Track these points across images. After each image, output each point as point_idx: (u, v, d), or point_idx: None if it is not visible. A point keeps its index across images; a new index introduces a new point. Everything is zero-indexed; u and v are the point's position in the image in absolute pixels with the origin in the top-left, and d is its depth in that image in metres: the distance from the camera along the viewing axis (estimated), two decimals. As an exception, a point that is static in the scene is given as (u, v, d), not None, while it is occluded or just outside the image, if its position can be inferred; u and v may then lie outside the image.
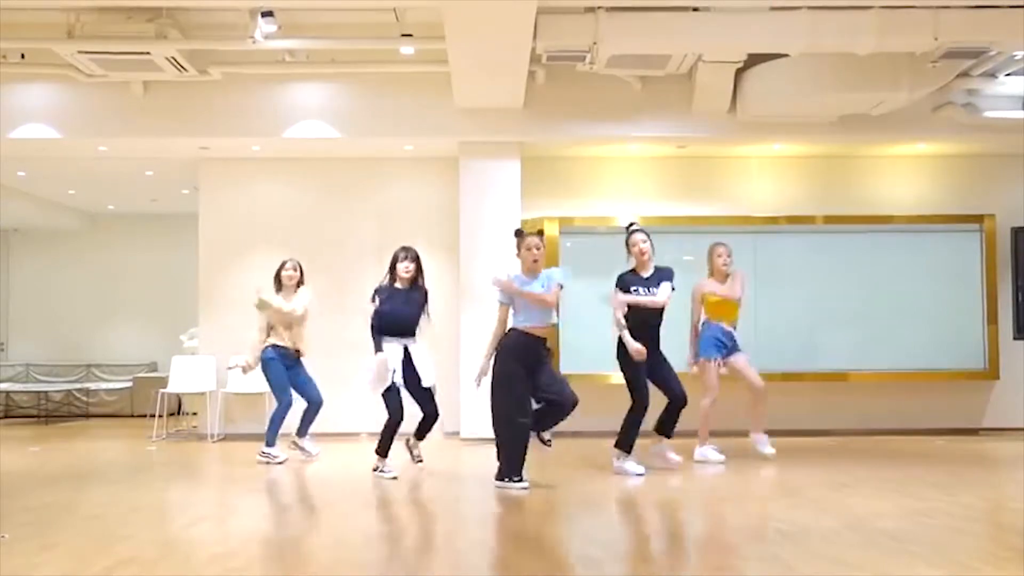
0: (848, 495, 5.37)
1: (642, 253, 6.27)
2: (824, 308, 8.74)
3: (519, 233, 5.95)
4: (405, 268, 6.31)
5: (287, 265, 7.24)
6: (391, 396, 6.21)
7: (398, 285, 6.37)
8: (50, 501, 5.32)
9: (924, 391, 8.82)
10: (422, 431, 6.51)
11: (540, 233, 6.09)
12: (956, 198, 9.05)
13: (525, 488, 5.70)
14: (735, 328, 6.86)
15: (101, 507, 5.14)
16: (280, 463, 6.96)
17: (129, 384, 11.62)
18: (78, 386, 11.75)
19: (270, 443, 7.04)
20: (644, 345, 6.11)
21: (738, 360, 6.80)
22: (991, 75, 7.89)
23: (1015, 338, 8.82)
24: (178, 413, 10.37)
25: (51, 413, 11.34)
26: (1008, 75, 7.89)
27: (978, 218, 8.80)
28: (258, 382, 8.68)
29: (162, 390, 8.97)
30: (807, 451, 7.40)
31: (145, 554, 3.94)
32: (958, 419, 8.86)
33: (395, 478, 6.16)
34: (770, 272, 8.60)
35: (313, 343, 8.79)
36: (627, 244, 6.36)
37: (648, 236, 6.33)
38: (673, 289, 6.27)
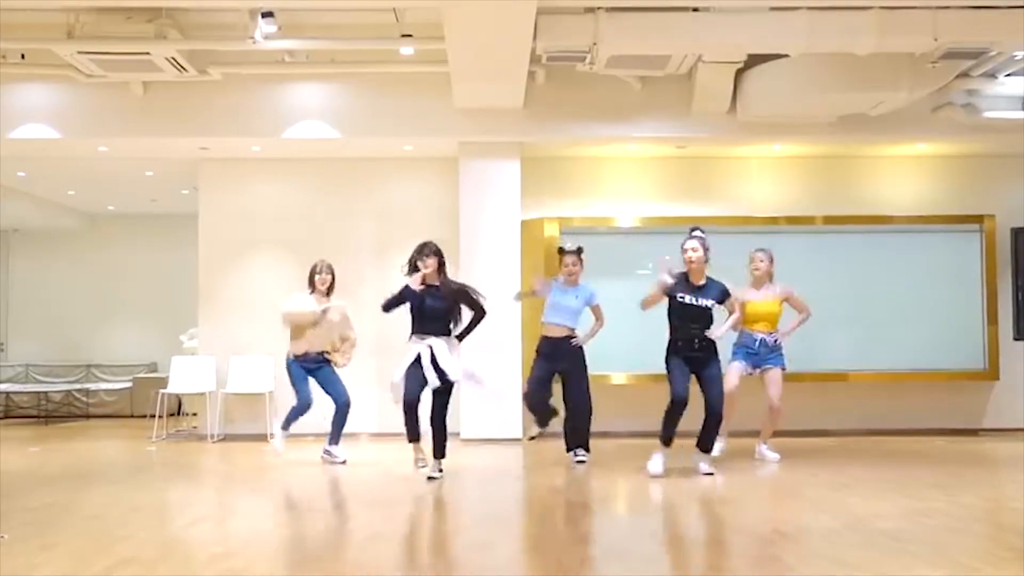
0: (848, 495, 5.37)
1: (689, 261, 6.07)
2: (824, 308, 8.66)
3: (561, 251, 6.84)
4: (424, 264, 6.11)
5: (322, 269, 7.09)
6: (410, 379, 6.00)
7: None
8: (50, 501, 5.32)
9: (924, 391, 8.82)
10: (436, 446, 6.16)
11: (579, 251, 6.77)
12: (956, 198, 9.04)
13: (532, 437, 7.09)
14: (772, 337, 6.85)
15: (101, 507, 5.14)
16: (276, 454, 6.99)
17: (129, 384, 11.61)
18: (78, 386, 11.74)
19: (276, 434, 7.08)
20: (689, 346, 6.02)
21: (770, 373, 6.85)
22: (991, 75, 7.88)
23: (1015, 339, 8.81)
24: (178, 413, 10.37)
25: (51, 413, 11.33)
26: (1008, 75, 7.88)
27: (978, 218, 8.79)
28: (259, 382, 8.72)
29: (162, 390, 8.97)
30: (807, 451, 7.40)
31: (145, 554, 3.94)
32: (958, 419, 8.86)
33: (424, 468, 6.16)
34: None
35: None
36: (681, 247, 6.16)
37: (703, 246, 6.07)
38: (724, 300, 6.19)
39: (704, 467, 6.16)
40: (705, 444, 6.16)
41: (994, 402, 8.92)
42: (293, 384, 7.01)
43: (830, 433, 8.53)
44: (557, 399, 6.89)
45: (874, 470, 6.45)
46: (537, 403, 6.82)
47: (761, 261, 6.94)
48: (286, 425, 7.09)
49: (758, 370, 6.89)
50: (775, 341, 6.87)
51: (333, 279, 7.15)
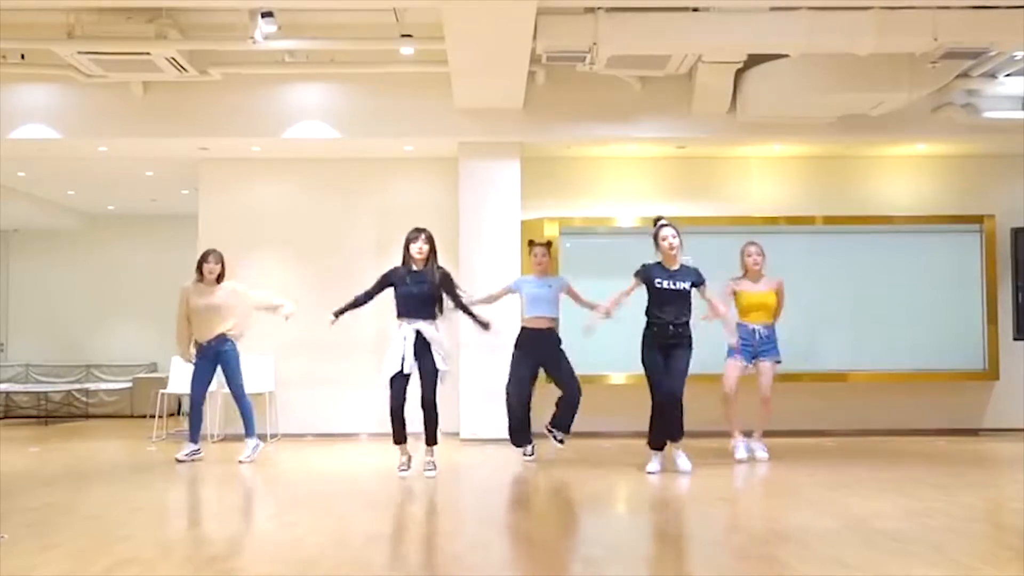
0: (847, 495, 5.37)
1: (671, 248, 6.30)
2: (824, 308, 8.73)
3: (531, 243, 7.04)
4: (418, 249, 6.24)
5: (209, 258, 7.21)
6: (395, 381, 6.11)
7: (414, 267, 6.26)
8: (50, 501, 5.32)
9: (924, 391, 8.82)
10: (427, 432, 6.25)
11: (548, 244, 7.08)
12: (956, 198, 9.04)
13: (527, 458, 6.88)
14: (768, 329, 6.98)
15: (101, 507, 5.14)
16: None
17: (129, 384, 11.61)
18: (78, 386, 11.73)
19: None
20: (664, 332, 6.20)
21: (761, 364, 6.94)
22: (991, 75, 7.89)
23: (1015, 339, 8.80)
24: (178, 413, 10.36)
25: (51, 414, 11.32)
26: (1008, 75, 7.89)
27: (978, 218, 8.79)
28: (259, 382, 8.71)
29: (162, 390, 8.97)
30: (807, 451, 7.40)
31: (145, 554, 3.94)
32: (958, 419, 8.86)
33: (404, 475, 6.19)
34: (770, 273, 8.58)
35: (313, 343, 8.83)
36: (655, 238, 6.38)
37: (677, 232, 6.35)
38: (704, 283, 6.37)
39: (682, 464, 6.19)
40: (673, 434, 6.22)
41: (994, 402, 8.91)
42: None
43: (829, 433, 8.53)
44: (550, 404, 6.89)
45: (874, 470, 6.45)
46: (518, 415, 6.76)
47: (759, 255, 7.07)
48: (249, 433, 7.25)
49: (753, 362, 6.93)
50: (770, 333, 6.96)
51: (223, 268, 7.23)
